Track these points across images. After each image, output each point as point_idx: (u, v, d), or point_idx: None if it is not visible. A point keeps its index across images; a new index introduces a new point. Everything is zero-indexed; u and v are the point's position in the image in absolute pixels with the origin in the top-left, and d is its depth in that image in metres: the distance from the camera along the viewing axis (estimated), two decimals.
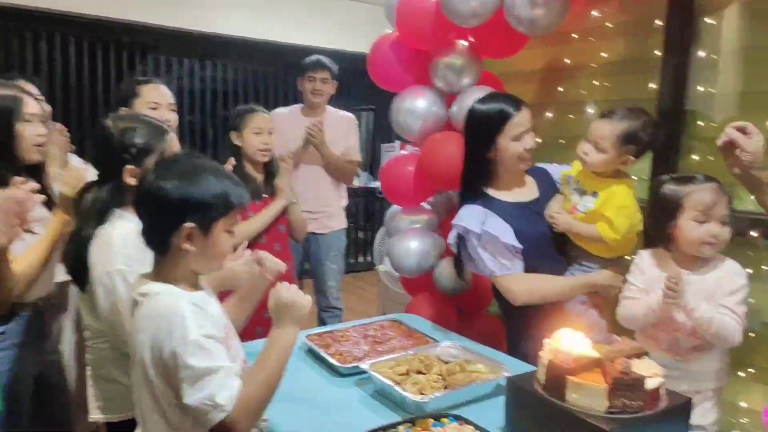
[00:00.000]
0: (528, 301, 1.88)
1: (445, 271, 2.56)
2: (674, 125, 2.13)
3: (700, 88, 2.07)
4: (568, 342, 1.40)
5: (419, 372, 1.66)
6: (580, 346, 1.39)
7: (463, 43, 2.53)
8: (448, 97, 2.60)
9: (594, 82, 2.43)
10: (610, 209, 1.78)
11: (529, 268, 1.90)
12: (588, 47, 2.49)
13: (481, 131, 1.92)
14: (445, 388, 1.58)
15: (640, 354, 1.40)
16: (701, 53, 2.07)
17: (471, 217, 1.91)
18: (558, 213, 1.90)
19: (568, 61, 2.58)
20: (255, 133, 2.43)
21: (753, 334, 1.89)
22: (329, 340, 1.96)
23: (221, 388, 1.11)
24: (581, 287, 1.87)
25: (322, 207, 3.28)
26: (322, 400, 1.61)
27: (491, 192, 1.97)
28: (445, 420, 1.41)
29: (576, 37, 2.53)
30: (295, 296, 1.26)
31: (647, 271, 1.70)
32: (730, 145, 1.53)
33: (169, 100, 2.34)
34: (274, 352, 1.22)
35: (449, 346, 1.84)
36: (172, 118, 2.31)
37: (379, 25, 2.87)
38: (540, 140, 2.61)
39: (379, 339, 1.98)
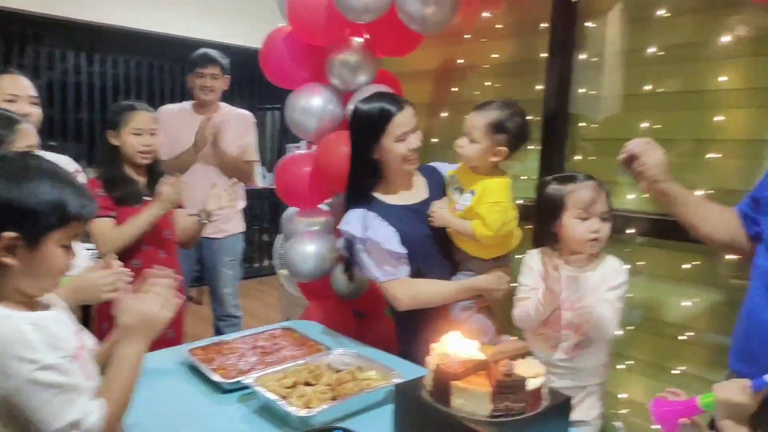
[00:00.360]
0: (411, 307, 1.86)
1: (341, 274, 2.49)
2: (559, 126, 2.19)
3: (583, 90, 2.14)
4: (455, 346, 1.37)
5: (307, 383, 1.58)
6: (467, 349, 1.37)
7: (359, 39, 2.47)
8: (345, 96, 2.53)
9: (486, 82, 2.45)
10: (482, 206, 1.78)
11: (415, 272, 1.87)
12: (480, 48, 2.51)
13: (364, 132, 1.88)
14: (334, 399, 1.51)
15: (524, 354, 1.40)
16: (583, 56, 2.14)
17: (355, 221, 1.86)
18: (437, 209, 1.88)
19: (461, 61, 2.60)
20: (134, 133, 2.23)
21: (632, 327, 1.97)
22: (213, 354, 1.82)
23: (86, 413, 1.01)
24: (465, 291, 1.85)
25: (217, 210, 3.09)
26: (201, 420, 1.49)
27: (378, 195, 1.93)
28: None
29: (468, 37, 2.55)
30: (148, 310, 1.13)
31: (537, 270, 1.72)
32: (630, 161, 1.56)
33: (30, 92, 2.11)
34: (123, 372, 1.10)
35: (342, 353, 1.77)
36: (33, 111, 2.08)
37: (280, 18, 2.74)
38: (436, 140, 2.63)
39: (269, 350, 1.87)
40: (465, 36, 2.56)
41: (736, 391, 1.14)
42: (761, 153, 1.71)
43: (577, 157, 2.17)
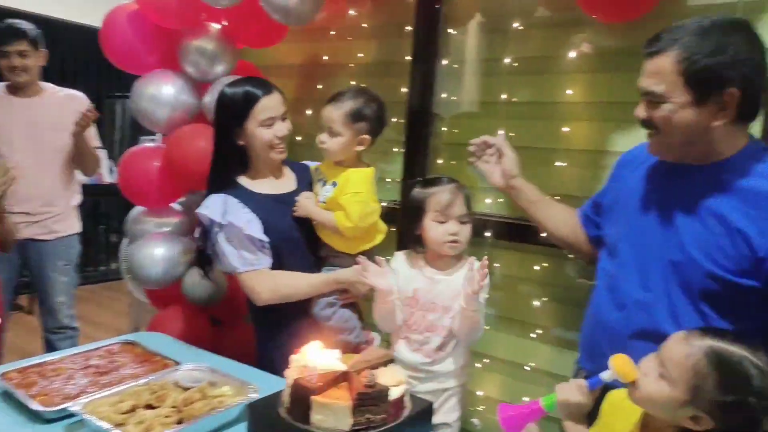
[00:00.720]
0: (271, 300, 1.76)
1: (196, 278, 2.30)
2: (423, 129, 2.20)
3: (445, 95, 2.18)
4: (315, 357, 1.29)
5: (149, 406, 1.40)
6: (327, 360, 1.29)
7: (216, 26, 2.30)
8: (201, 86, 2.34)
9: (351, 81, 2.41)
10: (343, 196, 1.75)
11: (277, 266, 1.78)
12: (346, 46, 2.46)
13: (228, 115, 1.78)
14: (180, 422, 1.35)
15: (386, 361, 1.36)
16: (445, 61, 2.17)
17: (214, 206, 1.75)
18: (302, 198, 1.82)
19: (326, 58, 2.53)
20: None
21: (487, 327, 2.04)
22: (35, 377, 1.56)
23: None
24: (328, 284, 1.78)
25: (45, 207, 2.70)
26: None
27: (243, 182, 1.83)
28: None
29: (334, 34, 2.49)
30: None
31: (401, 272, 1.70)
32: (481, 151, 1.64)
33: None
34: None
35: (192, 368, 1.61)
36: None
37: None
38: (300, 138, 2.54)
39: (104, 369, 1.64)
40: (330, 32, 2.49)
41: (574, 391, 1.19)
42: (603, 163, 1.84)
43: (440, 161, 2.20)
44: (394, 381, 1.28)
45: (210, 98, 2.26)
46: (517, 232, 1.98)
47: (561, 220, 1.65)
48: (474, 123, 2.13)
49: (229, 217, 1.72)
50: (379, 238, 1.86)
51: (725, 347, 1.05)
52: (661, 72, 1.23)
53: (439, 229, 1.65)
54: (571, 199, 1.84)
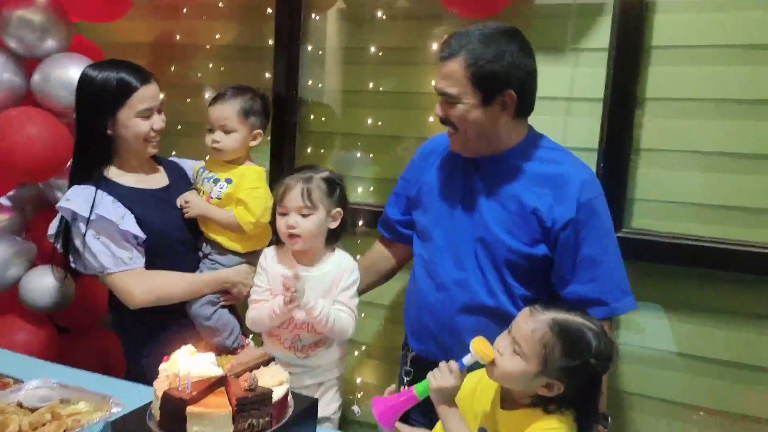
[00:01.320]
0: (147, 302, 1.63)
1: (36, 282, 2.04)
2: (289, 117, 2.15)
3: (311, 83, 2.14)
4: (186, 363, 1.21)
5: None
6: (200, 365, 1.22)
7: None
8: (29, 63, 2.05)
9: (209, 65, 2.27)
10: (242, 191, 1.70)
11: (152, 265, 1.64)
12: (200, 26, 2.31)
13: (97, 102, 1.62)
14: None
15: (266, 361, 1.32)
16: (309, 47, 2.13)
17: (80, 198, 1.59)
18: (191, 198, 1.73)
19: (179, 37, 2.35)
20: None
21: (363, 315, 2.07)
22: None
23: None
24: (211, 284, 1.70)
25: None
26: None
27: (111, 174, 1.68)
28: None
29: (186, 12, 2.31)
30: None
31: (270, 269, 1.65)
32: None
33: None
34: None
35: (39, 385, 1.42)
36: None
37: None
38: None
39: None
40: (183, 10, 2.31)
41: (447, 376, 1.22)
42: None
43: (309, 149, 2.16)
44: (275, 381, 1.24)
45: (39, 77, 2.01)
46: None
47: (372, 271, 1.76)
48: (341, 111, 2.13)
49: (100, 211, 1.57)
50: (267, 240, 1.78)
51: (565, 317, 1.17)
52: (453, 75, 1.38)
53: (281, 221, 1.59)
54: None
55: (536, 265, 1.44)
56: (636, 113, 1.77)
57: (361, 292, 1.69)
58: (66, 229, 1.64)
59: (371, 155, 2.09)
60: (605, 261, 1.43)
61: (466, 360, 1.23)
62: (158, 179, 1.77)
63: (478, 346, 1.21)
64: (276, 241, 1.68)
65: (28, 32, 1.97)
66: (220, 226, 1.72)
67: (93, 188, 1.61)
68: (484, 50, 1.35)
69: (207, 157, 1.82)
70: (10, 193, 2.15)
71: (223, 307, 1.75)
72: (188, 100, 2.35)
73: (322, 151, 2.15)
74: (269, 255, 1.67)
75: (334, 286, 1.61)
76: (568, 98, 1.85)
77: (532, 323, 1.17)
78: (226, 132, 1.71)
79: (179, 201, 1.73)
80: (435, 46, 1.97)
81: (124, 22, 2.20)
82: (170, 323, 1.67)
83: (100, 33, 2.34)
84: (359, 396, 2.14)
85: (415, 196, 1.63)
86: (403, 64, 2.03)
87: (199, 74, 2.33)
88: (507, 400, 1.24)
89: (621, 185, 1.78)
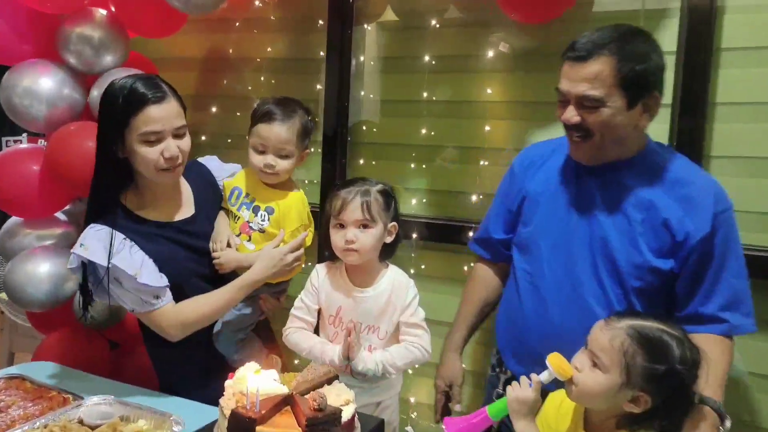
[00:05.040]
0: (184, 335, 1.54)
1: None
2: (340, 129, 2.12)
3: (362, 93, 2.11)
4: (252, 381, 1.17)
5: None
6: (267, 383, 1.18)
7: (102, 11, 2.04)
8: (87, 79, 2.08)
9: (261, 77, 2.27)
10: (287, 231, 1.60)
11: (179, 297, 1.54)
12: (252, 39, 2.31)
13: (107, 120, 1.48)
14: None
15: (330, 379, 1.27)
16: (361, 58, 2.11)
17: (96, 243, 1.46)
18: (221, 251, 1.58)
19: (231, 51, 2.36)
20: None
21: None
22: None
23: None
24: (240, 290, 1.56)
25: None
26: None
27: (130, 203, 1.54)
28: None
29: (239, 25, 2.32)
30: None
31: (322, 289, 1.59)
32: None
33: None
34: None
35: (99, 402, 1.42)
36: None
37: None
38: (204, 138, 2.35)
39: None
40: (235, 24, 2.32)
41: (526, 389, 1.19)
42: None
43: (361, 161, 2.12)
44: (341, 400, 1.19)
45: (97, 93, 2.01)
46: (443, 233, 1.97)
47: (486, 302, 1.65)
48: (393, 121, 2.09)
49: (117, 261, 1.43)
50: (300, 268, 1.70)
51: (642, 324, 1.12)
52: (599, 77, 1.27)
53: (337, 235, 1.52)
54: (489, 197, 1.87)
55: (660, 280, 1.33)
56: (706, 117, 1.69)
57: (474, 328, 1.62)
58: (86, 265, 1.49)
59: (424, 166, 2.04)
60: (735, 278, 1.34)
61: (544, 377, 1.18)
62: (183, 207, 1.61)
63: (556, 362, 1.16)
64: (329, 256, 1.62)
65: (87, 48, 1.99)
66: None
67: (108, 230, 1.46)
68: (630, 50, 1.27)
69: (241, 171, 1.68)
70: (66, 207, 2.17)
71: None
72: (238, 114, 2.34)
73: (374, 162, 2.11)
74: (321, 273, 1.62)
75: (390, 306, 1.55)
76: None
77: (609, 332, 1.12)
78: (282, 156, 1.58)
79: (213, 252, 1.58)
80: (490, 54, 1.92)
81: (177, 37, 2.21)
82: (197, 334, 1.58)
83: (155, 49, 2.36)
84: (413, 416, 2.06)
85: (516, 209, 1.54)
86: (456, 72, 1.98)
87: (250, 87, 2.32)
88: (591, 423, 1.16)
89: None
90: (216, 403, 1.19)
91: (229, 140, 2.35)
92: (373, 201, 1.51)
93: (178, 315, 1.52)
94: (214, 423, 1.19)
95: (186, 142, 1.50)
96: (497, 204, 1.62)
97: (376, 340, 1.56)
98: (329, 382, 1.27)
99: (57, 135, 1.98)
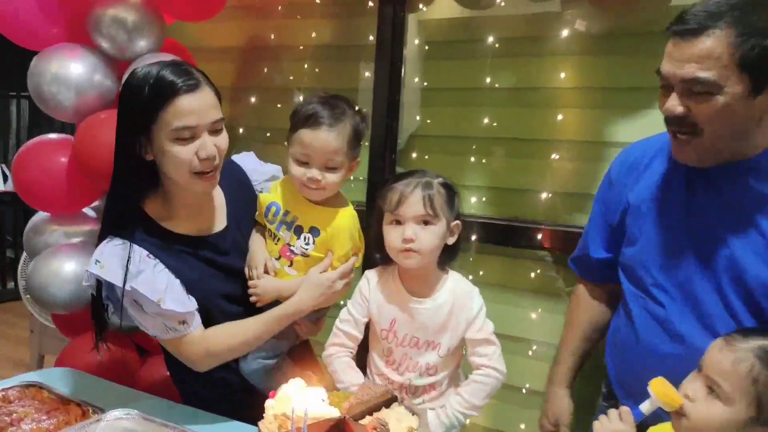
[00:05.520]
0: (211, 366, 1.34)
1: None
2: (391, 121, 1.93)
3: (416, 80, 1.93)
4: (297, 402, 0.97)
5: None
6: (315, 405, 0.98)
7: None
8: (120, 65, 1.95)
9: (304, 65, 2.11)
10: (339, 247, 1.36)
11: (208, 322, 1.33)
12: (295, 25, 2.15)
13: (130, 116, 1.25)
14: None
15: (389, 401, 1.07)
16: (415, 42, 1.92)
17: (114, 260, 1.25)
18: (258, 280, 1.35)
19: (272, 38, 2.21)
20: None
21: None
22: None
23: None
24: (282, 321, 1.34)
25: None
26: None
27: (153, 212, 1.32)
28: None
29: (281, 10, 2.17)
30: None
31: (372, 298, 1.38)
32: None
33: None
34: None
35: (122, 416, 1.23)
36: None
37: None
38: (242, 131, 2.21)
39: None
40: (278, 8, 2.18)
41: (617, 423, 1.03)
42: (601, 155, 1.64)
43: (413, 155, 1.94)
44: (403, 428, 0.99)
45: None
46: (506, 234, 1.75)
47: (592, 329, 1.43)
48: (451, 111, 1.88)
49: (138, 284, 1.22)
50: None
51: None
52: (711, 55, 1.02)
53: (392, 234, 1.30)
54: (566, 197, 1.64)
55: None
56: None
57: (583, 357, 1.42)
58: (100, 285, 1.28)
59: (485, 160, 1.83)
60: None
61: (645, 407, 1.01)
62: (215, 219, 1.38)
63: (660, 389, 0.98)
64: (381, 259, 1.40)
65: (120, 32, 1.86)
66: None
67: (127, 245, 1.25)
68: (754, 20, 1.01)
69: (276, 182, 1.43)
70: (95, 203, 2.04)
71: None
72: (279, 105, 2.18)
73: (427, 156, 1.92)
74: (372, 280, 1.40)
75: (453, 319, 1.33)
76: None
77: (732, 354, 0.94)
78: (330, 169, 1.32)
79: (249, 282, 1.35)
80: (565, 33, 1.70)
81: (215, 24, 2.08)
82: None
83: (192, 37, 2.24)
84: None
85: (617, 223, 1.31)
86: (523, 56, 1.77)
87: (291, 77, 2.16)
88: None
89: None
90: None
91: (268, 134, 2.20)
92: (435, 194, 1.30)
93: (205, 343, 1.31)
94: None
95: (224, 139, 1.27)
96: (596, 216, 1.38)
97: (435, 358, 1.33)
98: (387, 404, 1.07)
99: (86, 124, 1.85)
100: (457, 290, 1.35)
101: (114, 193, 1.32)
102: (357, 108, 1.37)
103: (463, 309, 1.33)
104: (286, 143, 1.35)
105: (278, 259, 1.38)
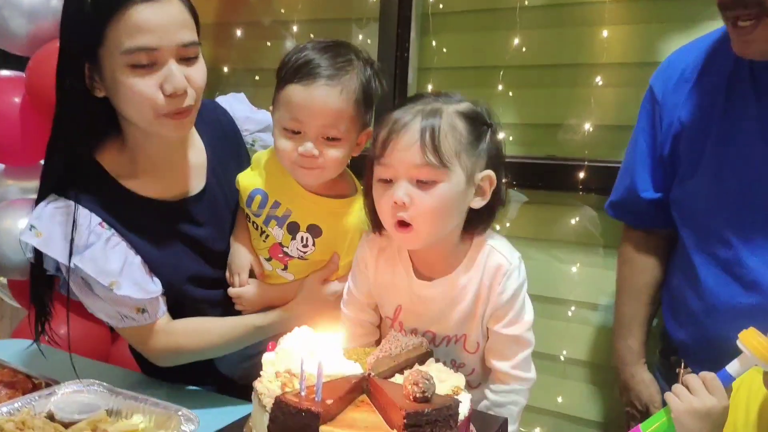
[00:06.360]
0: (176, 363, 1.11)
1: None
2: (400, 52, 1.69)
3: (430, 1, 1.68)
4: (309, 353, 0.72)
5: None
6: (331, 357, 0.73)
7: None
8: None
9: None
10: (350, 250, 1.05)
11: (178, 311, 1.09)
12: None
13: (72, 36, 0.97)
14: None
15: (423, 356, 0.82)
16: None
17: (52, 229, 0.98)
18: (241, 288, 1.10)
19: None
20: None
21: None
22: None
23: None
24: (270, 330, 1.09)
25: None
26: None
27: (111, 168, 1.04)
28: None
29: None
30: None
31: (371, 273, 1.00)
32: None
33: None
34: None
35: (78, 390, 0.99)
36: None
37: None
38: (227, 70, 1.99)
39: None
40: None
41: (702, 395, 0.83)
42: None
43: (428, 88, 1.69)
44: (448, 387, 0.74)
45: None
46: (544, 175, 1.51)
47: (645, 282, 1.24)
48: (473, 37, 1.65)
49: (82, 262, 0.97)
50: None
51: None
52: None
53: (381, 197, 0.89)
54: (610, 129, 1.43)
55: None
56: None
57: (650, 323, 1.24)
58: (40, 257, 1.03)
59: (510, 93, 1.58)
60: None
61: (733, 368, 0.85)
62: (191, 178, 1.09)
63: (754, 341, 0.82)
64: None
65: None
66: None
67: (72, 208, 0.99)
68: None
69: (261, 156, 1.10)
70: None
71: None
72: (268, 44, 1.93)
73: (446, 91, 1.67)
74: (373, 249, 0.99)
75: (480, 304, 0.93)
76: None
77: None
78: (330, 140, 1.00)
79: (230, 290, 1.11)
80: None
81: None
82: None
83: None
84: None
85: (668, 152, 1.11)
86: None
87: (283, 10, 1.90)
88: None
89: None
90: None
91: (257, 77, 1.95)
92: (445, 128, 0.86)
93: (170, 336, 1.07)
94: (243, 419, 0.76)
95: (199, 71, 0.98)
96: (640, 148, 1.17)
97: (465, 355, 0.97)
98: (422, 360, 0.82)
99: (40, 56, 1.62)
100: (488, 266, 0.93)
101: (57, 138, 1.03)
102: (367, 57, 1.04)
103: (491, 292, 0.92)
104: (271, 108, 1.03)
105: (269, 260, 1.09)
